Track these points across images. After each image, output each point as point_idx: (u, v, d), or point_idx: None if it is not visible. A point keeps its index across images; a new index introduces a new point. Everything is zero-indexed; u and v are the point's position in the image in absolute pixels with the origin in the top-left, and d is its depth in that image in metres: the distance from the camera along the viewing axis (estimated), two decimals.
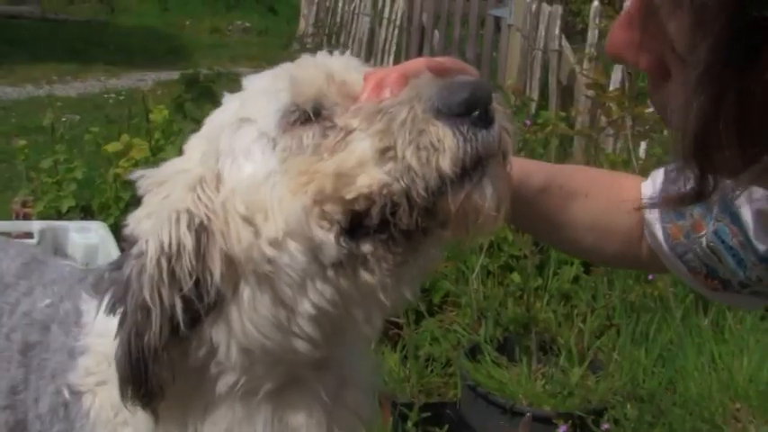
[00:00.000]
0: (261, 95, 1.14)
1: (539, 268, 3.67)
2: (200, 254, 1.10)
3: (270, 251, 1.08)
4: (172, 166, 1.20)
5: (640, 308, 3.60)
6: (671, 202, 0.85)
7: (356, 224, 1.06)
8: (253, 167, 1.11)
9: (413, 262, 1.08)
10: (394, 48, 7.69)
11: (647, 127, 4.11)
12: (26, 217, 4.10)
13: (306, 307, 1.10)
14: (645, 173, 4.29)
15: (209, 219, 1.11)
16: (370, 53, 7.97)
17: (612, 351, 3.39)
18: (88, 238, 3.28)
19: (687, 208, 1.28)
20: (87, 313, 1.35)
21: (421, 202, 1.01)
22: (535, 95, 6.00)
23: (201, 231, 1.11)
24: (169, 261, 1.10)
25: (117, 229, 3.97)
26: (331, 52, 1.19)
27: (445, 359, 3.32)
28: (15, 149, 4.93)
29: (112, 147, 4.31)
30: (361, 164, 1.02)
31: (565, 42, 5.86)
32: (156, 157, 4.24)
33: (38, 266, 1.55)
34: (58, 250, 3.27)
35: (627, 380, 3.20)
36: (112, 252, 3.13)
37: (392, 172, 1.01)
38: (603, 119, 4.60)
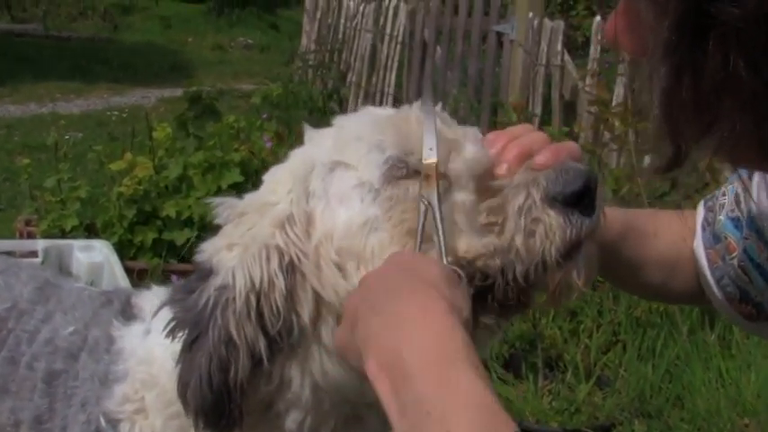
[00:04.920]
0: (360, 142, 1.13)
1: None
2: (289, 293, 1.10)
3: None
4: (254, 197, 1.18)
5: (646, 323, 3.58)
6: (650, 174, 0.95)
7: None
8: (349, 214, 1.10)
9: (497, 329, 1.11)
10: (396, 64, 7.68)
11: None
12: (30, 236, 4.10)
13: None
14: (648, 188, 4.25)
15: (299, 259, 1.11)
16: (372, 69, 7.97)
17: (619, 367, 3.38)
18: (92, 257, 3.28)
19: (723, 231, 1.32)
20: (121, 339, 1.33)
21: (521, 282, 1.06)
22: (538, 111, 6.00)
23: (291, 271, 1.10)
24: (258, 298, 1.09)
25: (121, 248, 3.98)
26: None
27: None
28: (19, 168, 4.94)
29: (116, 165, 4.31)
30: (464, 229, 1.07)
31: (567, 57, 5.86)
32: (159, 175, 4.25)
33: (53, 291, 1.52)
34: (63, 269, 3.27)
35: (634, 396, 3.19)
36: (116, 270, 3.13)
37: (490, 245, 1.06)
38: (606, 134, 4.60)
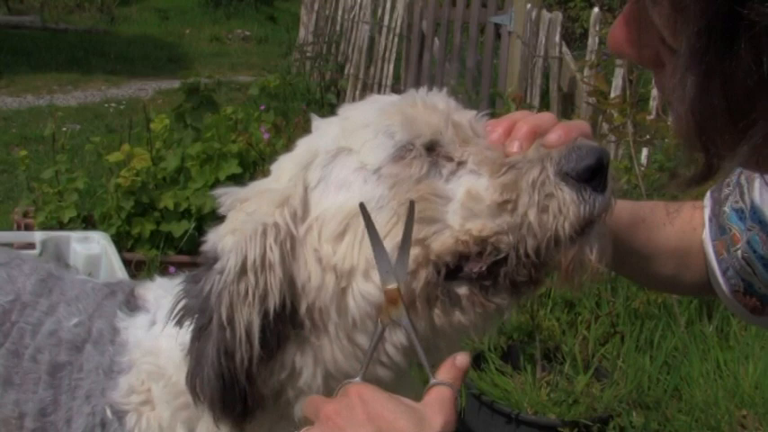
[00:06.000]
0: (366, 129, 1.14)
1: None
2: (288, 269, 1.10)
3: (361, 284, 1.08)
4: (258, 185, 1.19)
5: (645, 315, 3.59)
6: (681, 185, 0.90)
7: (456, 266, 1.08)
8: (346, 197, 1.11)
9: (508, 307, 1.11)
10: (394, 56, 7.67)
11: (648, 136, 4.10)
12: (27, 227, 4.09)
13: (399, 338, 1.10)
14: (647, 179, 4.24)
15: (294, 239, 1.11)
16: (370, 61, 7.95)
17: (617, 358, 3.38)
18: (90, 249, 3.27)
19: (728, 222, 1.31)
20: (125, 331, 1.33)
21: (533, 257, 1.06)
22: (536, 103, 5.99)
23: (289, 245, 1.10)
24: (255, 275, 1.09)
25: (118, 239, 3.97)
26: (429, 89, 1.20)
27: None
28: (16, 160, 4.93)
29: (114, 157, 4.30)
30: (477, 213, 1.06)
31: (565, 49, 5.85)
32: (157, 167, 4.24)
33: (56, 283, 1.52)
34: (60, 260, 3.26)
35: (632, 387, 3.19)
36: (114, 262, 3.12)
37: (504, 224, 1.06)
38: (605, 125, 4.59)
